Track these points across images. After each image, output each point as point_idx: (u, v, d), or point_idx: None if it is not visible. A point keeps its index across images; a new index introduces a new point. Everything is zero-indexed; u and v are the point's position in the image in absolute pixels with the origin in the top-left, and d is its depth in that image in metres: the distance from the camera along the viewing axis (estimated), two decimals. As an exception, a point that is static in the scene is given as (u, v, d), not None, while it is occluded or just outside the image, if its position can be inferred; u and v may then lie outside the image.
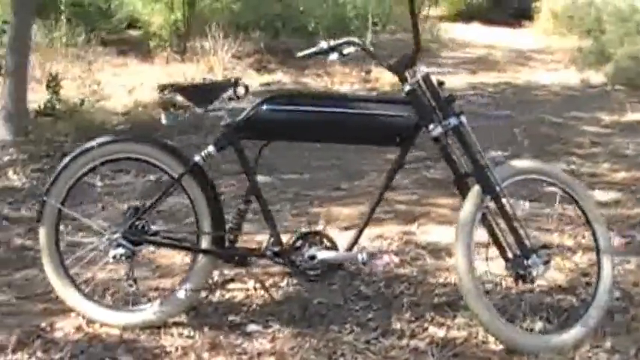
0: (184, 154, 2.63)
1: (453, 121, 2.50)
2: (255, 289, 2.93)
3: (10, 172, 4.55)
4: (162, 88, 2.58)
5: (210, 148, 2.58)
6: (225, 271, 3.02)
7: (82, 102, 5.97)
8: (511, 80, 8.76)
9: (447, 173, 2.87)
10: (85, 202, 3.69)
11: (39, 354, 2.45)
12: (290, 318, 2.75)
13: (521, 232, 2.55)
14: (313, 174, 4.75)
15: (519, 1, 14.20)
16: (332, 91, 7.55)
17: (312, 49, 2.60)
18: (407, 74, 2.52)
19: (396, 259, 3.24)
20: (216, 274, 2.95)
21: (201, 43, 8.45)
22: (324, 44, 2.57)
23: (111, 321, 2.64)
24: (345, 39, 2.60)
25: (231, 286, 2.99)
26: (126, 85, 7.34)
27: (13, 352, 2.45)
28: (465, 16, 14.43)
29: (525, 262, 2.52)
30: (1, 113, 5.27)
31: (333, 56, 2.58)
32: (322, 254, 2.58)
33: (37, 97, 5.85)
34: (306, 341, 2.58)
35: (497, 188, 2.50)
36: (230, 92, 2.56)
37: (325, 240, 2.61)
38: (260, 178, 2.84)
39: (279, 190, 4.31)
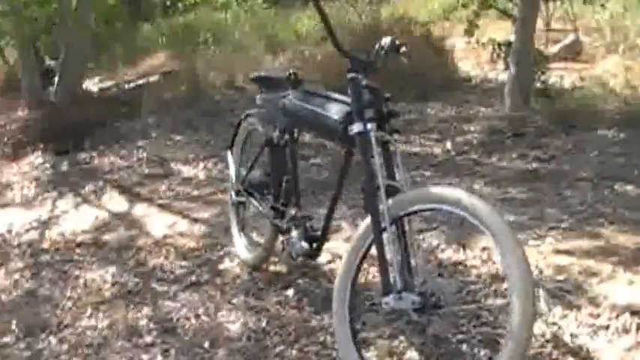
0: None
1: (356, 127, 2.18)
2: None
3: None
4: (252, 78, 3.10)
5: (277, 132, 2.87)
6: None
7: (574, 87, 5.86)
8: None
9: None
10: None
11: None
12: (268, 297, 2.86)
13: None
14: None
15: None
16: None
17: None
18: None
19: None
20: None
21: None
22: None
23: (241, 256, 3.24)
24: None
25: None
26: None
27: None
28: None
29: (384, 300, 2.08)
30: (507, 88, 5.31)
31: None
32: (297, 241, 2.68)
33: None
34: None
35: (383, 223, 2.09)
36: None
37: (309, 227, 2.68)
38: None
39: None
